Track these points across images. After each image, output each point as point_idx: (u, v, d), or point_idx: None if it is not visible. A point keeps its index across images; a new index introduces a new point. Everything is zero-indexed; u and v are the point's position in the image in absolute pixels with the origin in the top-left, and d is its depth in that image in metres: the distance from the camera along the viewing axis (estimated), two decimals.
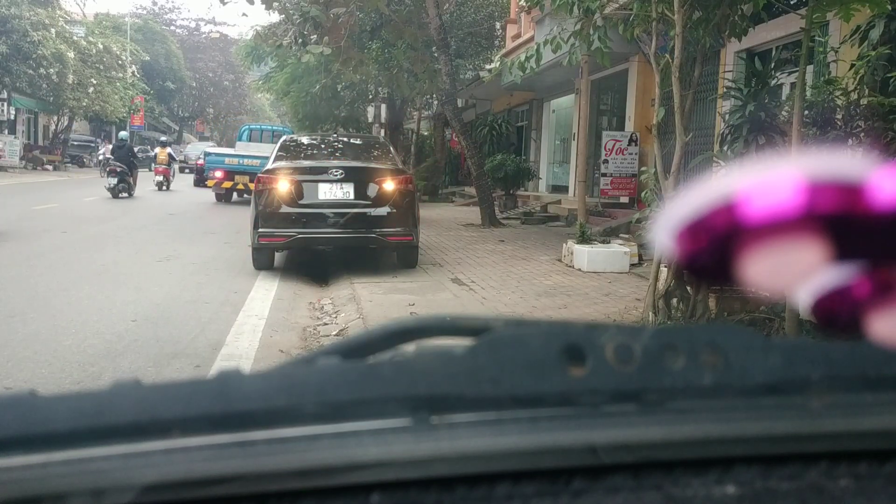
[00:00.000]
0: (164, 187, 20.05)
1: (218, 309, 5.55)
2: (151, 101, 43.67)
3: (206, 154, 18.51)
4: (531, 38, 13.14)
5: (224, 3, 11.28)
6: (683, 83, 4.64)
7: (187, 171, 27.64)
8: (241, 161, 16.57)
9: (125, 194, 16.55)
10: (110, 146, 20.88)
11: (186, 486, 0.41)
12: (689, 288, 4.45)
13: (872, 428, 0.46)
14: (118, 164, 16.39)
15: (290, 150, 8.05)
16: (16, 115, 31.27)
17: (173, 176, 21.19)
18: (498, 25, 19.84)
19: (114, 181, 16.28)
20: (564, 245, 8.03)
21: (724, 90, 5.65)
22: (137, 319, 5.08)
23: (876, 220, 0.29)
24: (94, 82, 30.89)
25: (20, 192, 17.21)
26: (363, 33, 13.62)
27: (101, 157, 24.32)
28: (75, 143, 34.92)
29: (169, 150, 20.74)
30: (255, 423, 0.42)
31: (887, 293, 0.31)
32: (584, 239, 7.84)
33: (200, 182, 19.56)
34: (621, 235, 9.34)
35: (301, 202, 7.06)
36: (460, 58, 18.45)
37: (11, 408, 0.44)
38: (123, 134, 18.78)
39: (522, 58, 6.15)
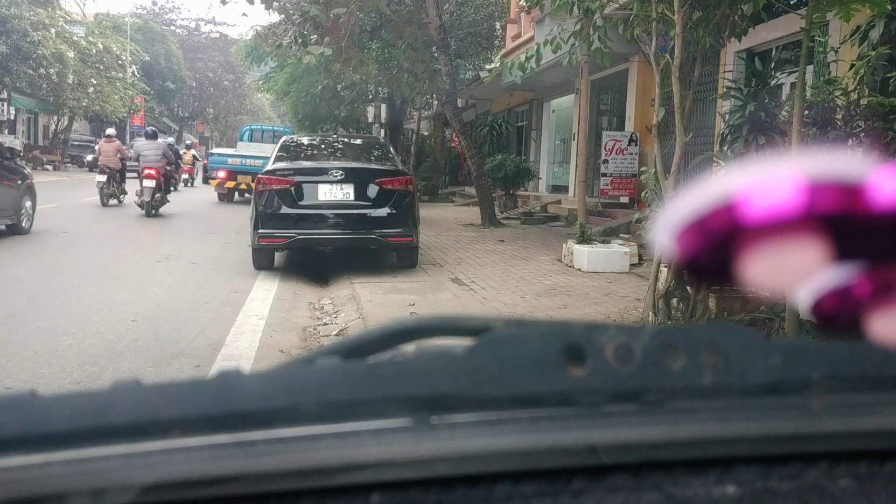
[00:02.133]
0: (190, 184, 23.48)
1: (218, 309, 5.54)
2: (151, 101, 43.63)
3: (210, 154, 19.83)
4: (531, 38, 13.14)
5: (224, 3, 11.25)
6: (683, 83, 4.63)
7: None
8: (243, 161, 16.59)
9: (171, 188, 18.95)
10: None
11: (186, 486, 0.41)
12: (689, 288, 4.44)
13: (872, 428, 0.46)
14: None
15: (290, 151, 8.05)
16: (16, 115, 31.27)
17: (197, 174, 24.90)
18: (498, 25, 19.83)
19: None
20: (564, 245, 8.03)
21: (724, 90, 5.64)
22: (137, 319, 5.08)
23: (876, 220, 0.29)
24: (94, 82, 30.84)
25: None
26: (363, 33, 13.60)
27: (89, 159, 26.41)
28: (75, 143, 34.75)
29: (193, 151, 24.85)
30: (255, 424, 0.42)
31: (887, 293, 0.31)
32: (584, 239, 7.84)
33: (207, 180, 21.57)
34: (621, 235, 9.34)
35: (301, 203, 7.06)
36: (460, 58, 18.45)
37: (11, 408, 0.44)
38: (170, 140, 21.36)
39: (522, 58, 6.15)
